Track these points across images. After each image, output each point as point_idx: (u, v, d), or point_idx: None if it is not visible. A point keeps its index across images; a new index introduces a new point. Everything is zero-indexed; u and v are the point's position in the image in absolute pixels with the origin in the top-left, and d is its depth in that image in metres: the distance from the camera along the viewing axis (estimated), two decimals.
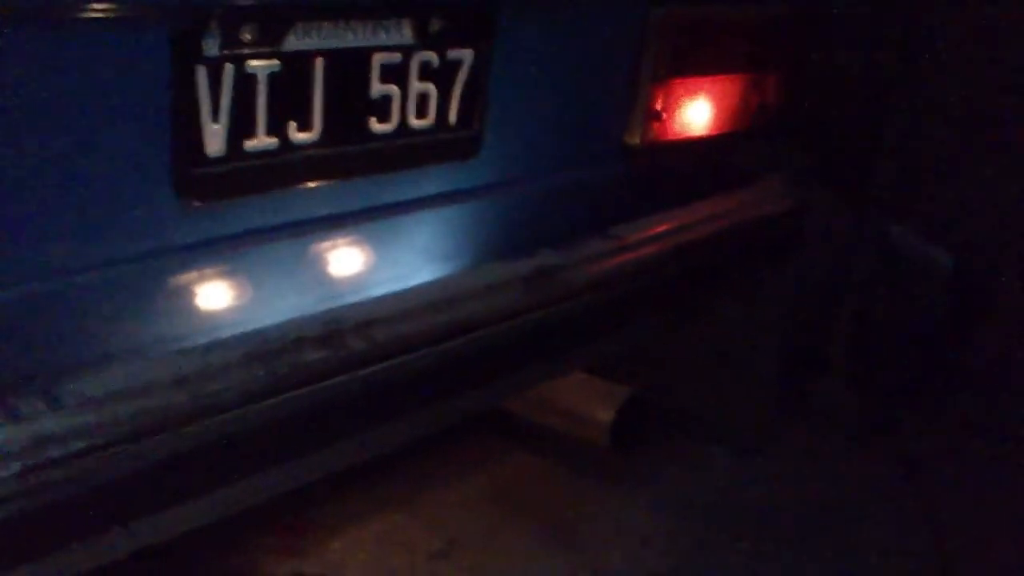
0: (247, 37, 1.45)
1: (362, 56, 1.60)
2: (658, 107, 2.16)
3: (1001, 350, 3.43)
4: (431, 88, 1.72)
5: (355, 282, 1.72)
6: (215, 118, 1.46)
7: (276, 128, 1.54)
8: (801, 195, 2.56)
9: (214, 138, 1.47)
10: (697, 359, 3.10)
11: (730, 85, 2.32)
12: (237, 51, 1.44)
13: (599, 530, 2.73)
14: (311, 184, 1.63)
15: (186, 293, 1.52)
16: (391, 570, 2.54)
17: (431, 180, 1.82)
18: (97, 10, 1.29)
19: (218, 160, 1.48)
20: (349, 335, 1.58)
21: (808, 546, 2.73)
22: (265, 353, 1.48)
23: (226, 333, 1.50)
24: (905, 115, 3.23)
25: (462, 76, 1.75)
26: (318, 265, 1.68)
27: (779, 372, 3.30)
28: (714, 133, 2.33)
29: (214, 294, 1.54)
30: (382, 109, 1.67)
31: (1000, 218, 3.31)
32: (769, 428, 3.16)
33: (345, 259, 1.71)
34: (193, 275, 1.52)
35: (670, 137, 2.22)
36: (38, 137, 1.31)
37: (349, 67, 1.59)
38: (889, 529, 2.82)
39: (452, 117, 1.78)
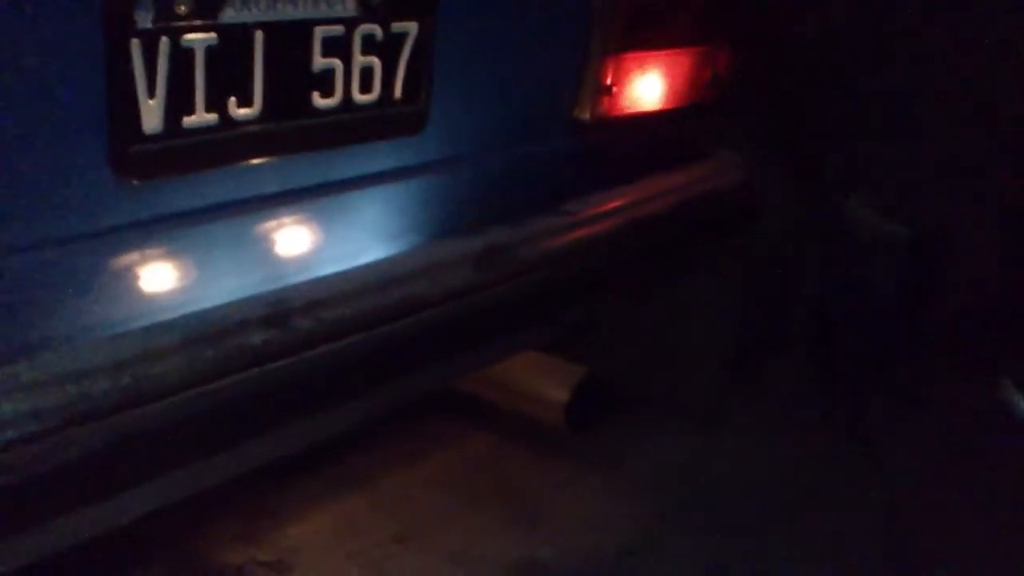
0: (182, 9, 1.40)
1: (303, 29, 1.56)
2: (608, 81, 2.13)
3: (958, 324, 3.44)
4: (375, 62, 1.69)
5: (300, 262, 1.68)
6: (151, 93, 1.42)
7: (215, 104, 1.49)
8: (755, 169, 2.55)
9: (151, 114, 1.42)
10: (653, 337, 3.09)
11: (682, 58, 2.30)
12: (172, 24, 1.40)
13: (558, 510, 2.72)
14: (253, 161, 1.59)
15: (126, 274, 1.47)
16: (348, 555, 2.51)
17: (377, 156, 1.78)
18: None
19: (156, 137, 1.44)
20: (296, 315, 1.54)
21: (768, 526, 2.72)
22: (209, 335, 1.45)
23: (167, 315, 1.46)
24: (860, 87, 3.22)
25: (407, 49, 1.72)
26: (261, 244, 1.64)
27: (736, 350, 3.30)
28: (666, 108, 2.31)
29: (154, 275, 1.50)
30: (325, 84, 1.63)
31: (957, 190, 3.31)
32: (727, 407, 3.16)
33: (289, 238, 1.67)
34: (132, 256, 1.48)
35: (621, 112, 2.19)
36: None
37: (290, 40, 1.55)
38: (848, 507, 2.82)
39: (397, 92, 1.74)
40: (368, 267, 1.69)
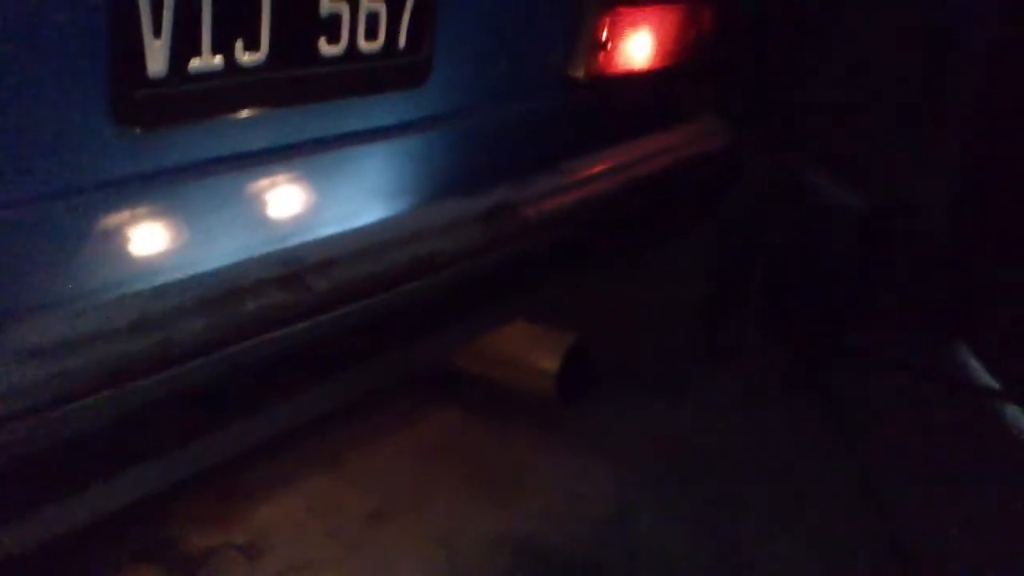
0: None
1: None
2: (604, 37, 2.06)
3: (914, 290, 3.47)
4: (381, 7, 1.59)
5: (301, 218, 1.58)
6: (156, 33, 1.30)
7: (222, 47, 1.39)
8: (738, 133, 2.50)
9: (156, 56, 1.31)
10: (621, 306, 3.05)
11: (672, 14, 2.24)
12: None
13: (536, 482, 2.65)
14: (259, 110, 1.48)
15: (128, 230, 1.36)
16: (322, 535, 2.41)
17: (380, 109, 1.69)
18: None
19: (161, 81, 1.32)
20: (310, 275, 1.44)
21: (746, 493, 2.70)
22: (224, 295, 1.34)
23: (170, 274, 1.36)
24: (822, 57, 3.21)
25: None
26: (264, 199, 1.54)
27: (701, 317, 3.28)
28: (656, 66, 2.24)
29: (158, 231, 1.39)
30: (331, 29, 1.53)
31: (913, 160, 3.33)
32: (694, 375, 3.13)
33: (291, 193, 1.57)
34: (135, 210, 1.37)
35: (615, 70, 2.13)
36: None
37: None
38: (819, 471, 2.82)
39: (402, 40, 1.65)
40: (381, 225, 1.61)
